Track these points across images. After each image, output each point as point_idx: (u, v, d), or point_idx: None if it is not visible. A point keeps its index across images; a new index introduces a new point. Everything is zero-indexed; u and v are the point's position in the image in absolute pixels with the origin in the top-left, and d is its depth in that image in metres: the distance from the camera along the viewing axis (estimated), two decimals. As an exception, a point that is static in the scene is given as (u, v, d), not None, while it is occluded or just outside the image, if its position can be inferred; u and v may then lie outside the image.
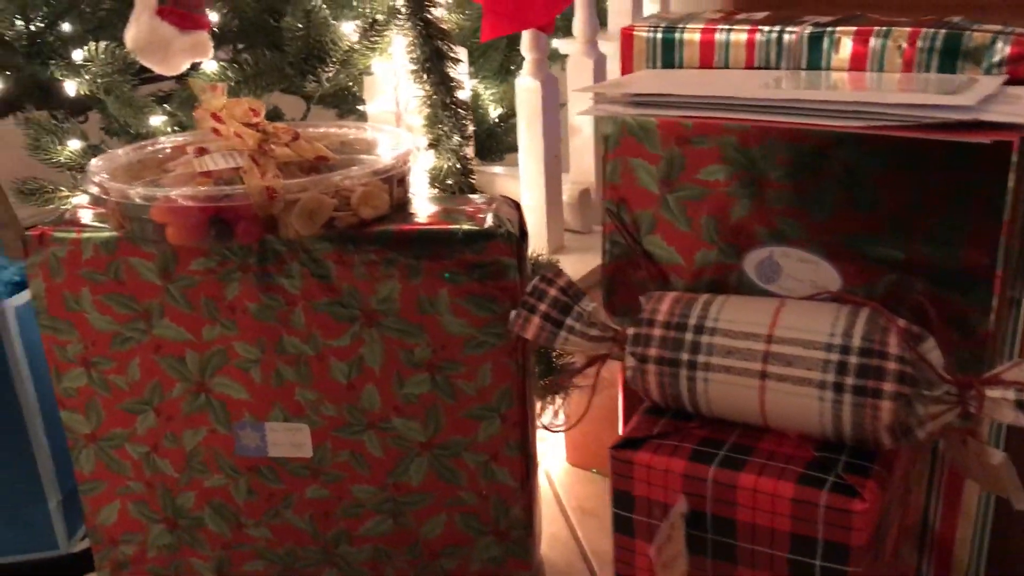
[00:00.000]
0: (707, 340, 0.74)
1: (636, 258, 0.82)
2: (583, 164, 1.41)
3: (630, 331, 0.73)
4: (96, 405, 0.98)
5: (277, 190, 0.81)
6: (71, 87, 1.23)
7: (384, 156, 0.95)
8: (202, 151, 0.83)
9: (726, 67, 0.89)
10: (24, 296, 1.09)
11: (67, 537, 1.17)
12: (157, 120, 1.31)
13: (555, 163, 1.29)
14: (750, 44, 0.87)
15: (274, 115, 1.41)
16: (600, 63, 1.37)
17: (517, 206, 0.97)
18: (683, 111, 0.74)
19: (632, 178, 0.83)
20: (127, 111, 1.25)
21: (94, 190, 0.90)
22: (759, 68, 0.88)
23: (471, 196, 1.01)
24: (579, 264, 1.31)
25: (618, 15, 1.52)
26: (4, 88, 1.32)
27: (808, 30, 0.84)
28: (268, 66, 1.21)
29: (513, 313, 0.80)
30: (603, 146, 0.84)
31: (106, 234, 0.91)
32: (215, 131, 0.85)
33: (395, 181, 0.91)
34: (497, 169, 1.49)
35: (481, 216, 0.90)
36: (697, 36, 0.89)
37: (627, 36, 0.89)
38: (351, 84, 1.25)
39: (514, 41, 1.55)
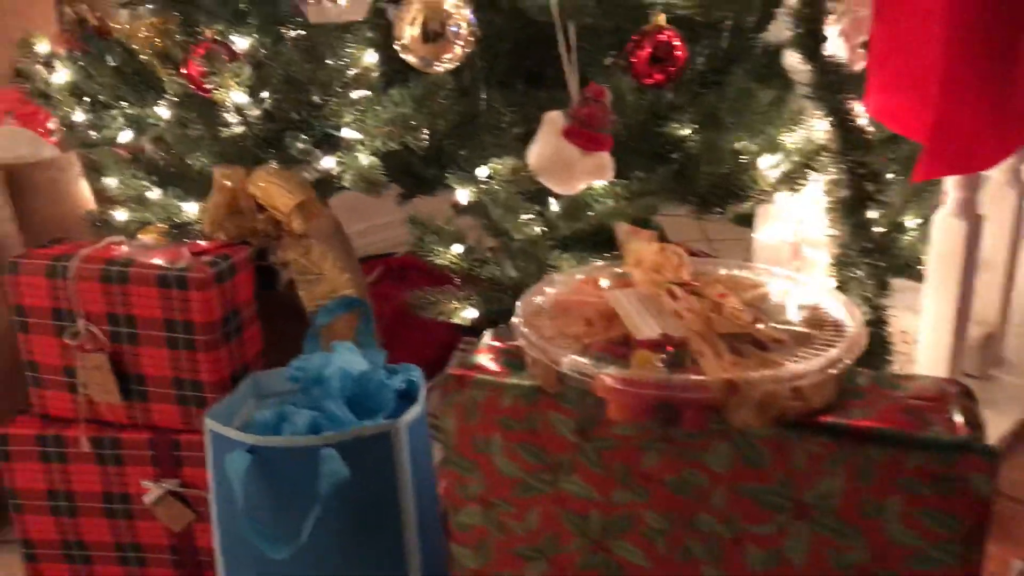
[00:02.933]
0: None
1: None
2: (989, 303, 1.26)
3: None
4: (488, 544, 0.96)
5: (739, 385, 0.74)
6: (463, 194, 1.24)
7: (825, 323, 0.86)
8: (658, 346, 0.78)
9: None
10: (414, 411, 1.10)
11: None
12: (526, 216, 1.29)
13: (965, 306, 1.15)
14: None
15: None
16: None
17: (970, 394, 0.85)
18: None
19: None
20: (509, 217, 1.25)
21: (523, 342, 0.87)
22: None
23: (915, 377, 0.90)
24: (979, 418, 1.16)
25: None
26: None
27: None
28: (660, 186, 1.16)
29: (1017, 565, 0.69)
30: None
31: (527, 384, 0.89)
32: (675, 315, 0.80)
33: (845, 367, 0.82)
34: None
35: (946, 416, 0.80)
36: None
37: None
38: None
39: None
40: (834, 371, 0.79)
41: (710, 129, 1.19)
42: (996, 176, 1.23)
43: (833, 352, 0.80)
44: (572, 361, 0.81)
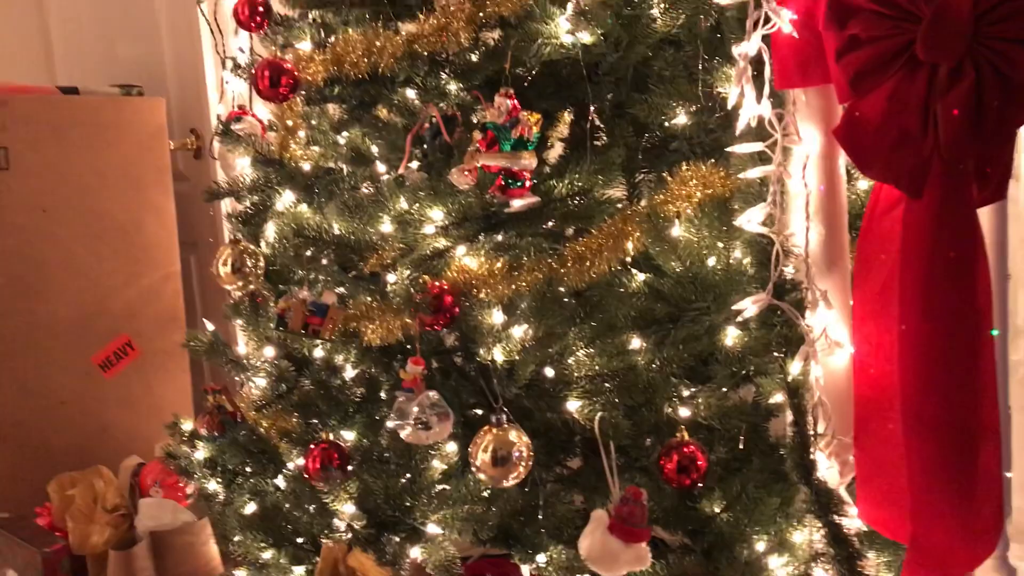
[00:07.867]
0: None
1: None
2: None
3: None
4: None
5: None
6: (525, 570, 1.47)
7: None
8: None
9: None
10: None
11: None
12: None
13: None
14: None
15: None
16: None
17: None
18: None
19: None
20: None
21: None
22: None
23: None
24: None
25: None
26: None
27: None
28: (692, 570, 1.37)
29: None
30: None
31: None
32: None
33: None
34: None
35: None
36: None
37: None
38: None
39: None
40: None
41: (735, 511, 1.41)
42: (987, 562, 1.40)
43: None
44: None
